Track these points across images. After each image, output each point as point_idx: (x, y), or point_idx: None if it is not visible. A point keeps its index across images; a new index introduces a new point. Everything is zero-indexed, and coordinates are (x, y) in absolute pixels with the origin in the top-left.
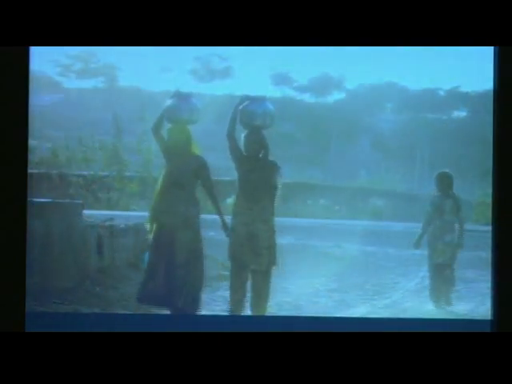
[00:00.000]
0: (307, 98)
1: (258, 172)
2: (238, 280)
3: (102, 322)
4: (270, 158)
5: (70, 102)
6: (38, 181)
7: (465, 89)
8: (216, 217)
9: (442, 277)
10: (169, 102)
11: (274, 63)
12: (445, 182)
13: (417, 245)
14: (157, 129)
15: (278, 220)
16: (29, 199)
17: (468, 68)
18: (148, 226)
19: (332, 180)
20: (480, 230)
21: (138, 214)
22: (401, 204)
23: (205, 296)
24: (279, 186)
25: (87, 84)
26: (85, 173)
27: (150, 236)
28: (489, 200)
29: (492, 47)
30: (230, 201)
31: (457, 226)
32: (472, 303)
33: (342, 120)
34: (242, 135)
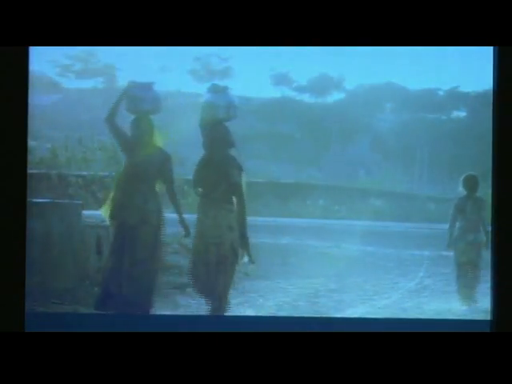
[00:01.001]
0: (306, 98)
1: (211, 167)
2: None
3: (102, 322)
4: (235, 153)
5: (70, 103)
6: (38, 181)
7: (464, 89)
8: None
9: (467, 276)
10: (129, 91)
11: (273, 64)
12: (469, 184)
13: (449, 246)
14: (111, 119)
15: (278, 220)
16: (28, 199)
17: (468, 68)
18: (108, 222)
19: (331, 180)
20: None
21: None
22: (400, 204)
23: None
24: (242, 183)
25: (87, 84)
26: (84, 173)
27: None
28: (488, 200)
29: (492, 47)
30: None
31: (481, 226)
32: (471, 303)
33: (342, 120)
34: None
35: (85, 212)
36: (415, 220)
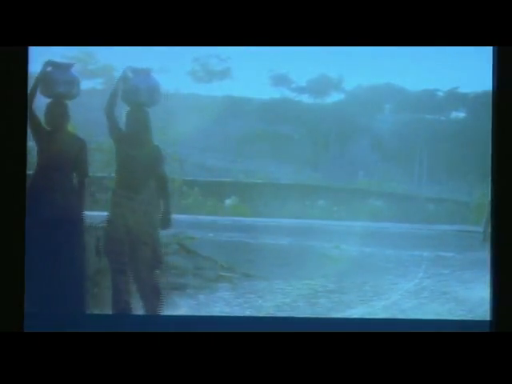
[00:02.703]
0: (306, 98)
1: (140, 159)
2: (118, 279)
3: (101, 322)
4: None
5: (68, 103)
6: None
7: (464, 89)
8: (217, 218)
9: None
10: (45, 72)
11: (272, 64)
12: None
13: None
14: (29, 102)
15: (277, 221)
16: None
17: (467, 68)
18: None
19: (330, 181)
20: (479, 231)
21: None
22: (400, 205)
23: (203, 297)
24: (167, 177)
25: (85, 85)
26: None
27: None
28: (488, 201)
29: (491, 47)
30: (229, 202)
31: None
32: (470, 304)
33: (341, 121)
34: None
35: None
36: (414, 221)
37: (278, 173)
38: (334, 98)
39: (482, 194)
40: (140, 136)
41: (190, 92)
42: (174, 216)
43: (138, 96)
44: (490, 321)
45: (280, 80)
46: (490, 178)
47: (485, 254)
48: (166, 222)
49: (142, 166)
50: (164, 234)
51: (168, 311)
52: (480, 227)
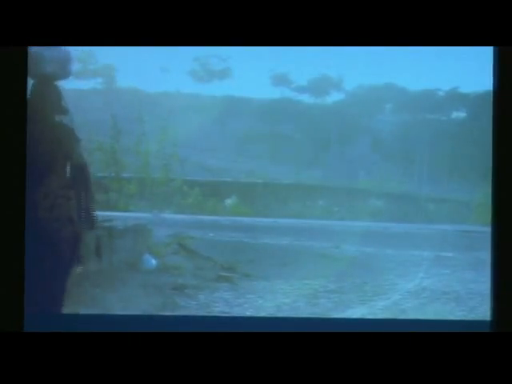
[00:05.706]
0: (306, 98)
1: (48, 142)
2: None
3: (101, 322)
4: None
5: (68, 103)
6: None
7: (464, 89)
8: (217, 218)
9: None
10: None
11: (273, 64)
12: None
13: None
14: None
15: (277, 221)
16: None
17: (467, 68)
18: None
19: (331, 181)
20: (479, 231)
21: (136, 215)
22: (400, 205)
23: (203, 297)
24: (84, 163)
25: (85, 85)
26: None
27: None
28: (488, 201)
29: (491, 47)
30: (229, 202)
31: None
32: (471, 304)
33: (341, 121)
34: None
35: None
36: (415, 221)
37: (277, 173)
38: (334, 97)
39: (482, 193)
40: (46, 114)
41: (190, 92)
42: (174, 216)
43: (43, 66)
44: (491, 321)
45: (280, 80)
46: (490, 178)
47: (485, 254)
48: (89, 221)
49: (48, 150)
50: (164, 234)
51: (168, 311)
52: (481, 227)
